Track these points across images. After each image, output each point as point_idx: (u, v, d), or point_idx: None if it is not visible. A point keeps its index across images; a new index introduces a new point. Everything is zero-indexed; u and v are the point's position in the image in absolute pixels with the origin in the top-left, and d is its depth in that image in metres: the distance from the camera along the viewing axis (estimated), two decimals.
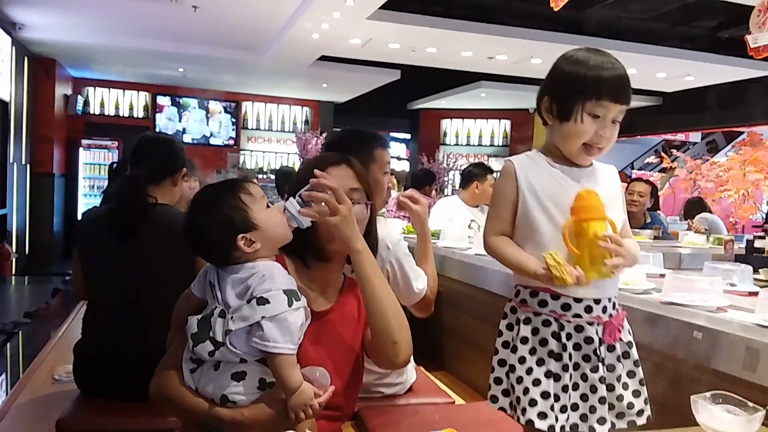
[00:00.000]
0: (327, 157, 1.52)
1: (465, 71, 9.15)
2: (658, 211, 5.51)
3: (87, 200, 9.80)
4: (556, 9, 3.97)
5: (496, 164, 12.58)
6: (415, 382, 2.32)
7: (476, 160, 11.83)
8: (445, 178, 9.72)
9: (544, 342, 1.37)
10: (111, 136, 10.03)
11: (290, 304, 1.21)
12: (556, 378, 1.36)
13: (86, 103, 10.51)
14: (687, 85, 9.04)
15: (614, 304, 1.42)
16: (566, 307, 1.37)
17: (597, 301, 1.38)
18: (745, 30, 4.61)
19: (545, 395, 1.35)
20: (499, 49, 7.73)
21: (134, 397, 1.95)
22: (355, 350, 1.45)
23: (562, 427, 1.34)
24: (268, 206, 1.32)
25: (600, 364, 1.36)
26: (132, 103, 10.92)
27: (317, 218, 1.31)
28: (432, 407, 2.17)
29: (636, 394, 1.39)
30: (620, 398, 1.37)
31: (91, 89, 10.65)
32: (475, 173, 4.35)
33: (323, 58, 8.47)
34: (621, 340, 1.40)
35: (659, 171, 12.64)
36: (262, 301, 1.20)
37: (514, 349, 1.40)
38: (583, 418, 1.35)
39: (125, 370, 1.98)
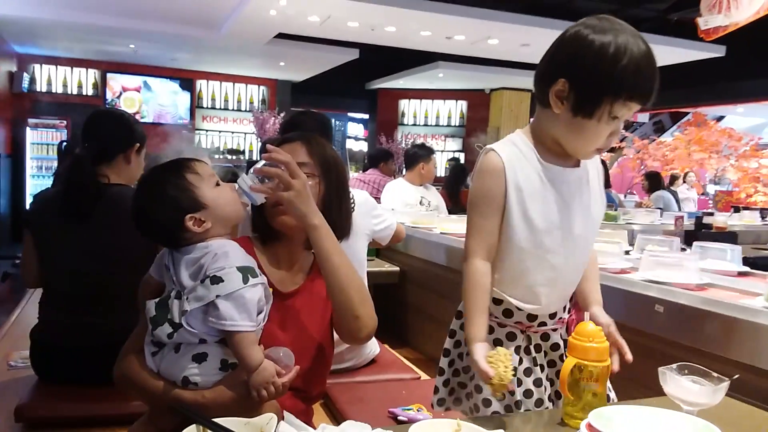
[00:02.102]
0: (286, 136, 1.48)
1: (423, 51, 9.14)
2: (610, 189, 5.70)
3: (36, 181, 9.45)
4: None
5: (452, 144, 12.70)
6: (381, 358, 2.37)
7: (432, 141, 11.93)
8: (402, 159, 9.75)
9: None
10: (59, 115, 9.65)
11: (246, 281, 1.19)
12: (528, 394, 1.34)
13: (32, 80, 10.08)
14: None
15: (571, 298, 1.43)
16: (532, 318, 1.35)
17: (563, 308, 1.42)
18: (694, 13, 4.74)
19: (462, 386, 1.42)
20: (457, 30, 7.74)
21: (95, 383, 1.93)
22: (324, 331, 1.43)
23: None
24: (218, 184, 1.30)
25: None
26: (81, 81, 10.53)
27: (270, 194, 1.28)
28: (398, 383, 2.22)
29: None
30: None
31: (37, 66, 10.20)
32: (420, 154, 4.53)
33: (281, 35, 8.33)
34: None
35: (608, 150, 12.98)
36: (216, 279, 1.18)
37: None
38: None
39: (85, 356, 1.95)
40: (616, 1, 8.11)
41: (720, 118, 13.27)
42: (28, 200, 9.04)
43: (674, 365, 1.10)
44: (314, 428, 1.11)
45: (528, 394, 1.36)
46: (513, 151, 1.29)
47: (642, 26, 8.29)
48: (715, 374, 1.10)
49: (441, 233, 3.12)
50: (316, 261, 1.46)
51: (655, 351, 1.85)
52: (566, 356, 1.19)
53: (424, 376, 2.33)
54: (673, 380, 1.08)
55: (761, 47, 7.94)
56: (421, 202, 4.43)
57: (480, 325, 1.26)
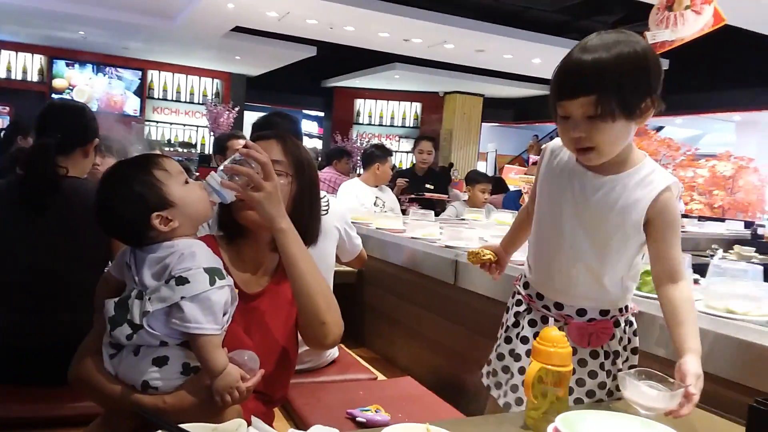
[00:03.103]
0: (262, 133, 1.45)
1: (381, 52, 9.18)
2: None
3: None
4: None
5: (406, 145, 12.80)
6: (338, 359, 2.38)
7: (386, 141, 11.99)
8: (358, 158, 9.77)
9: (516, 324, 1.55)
10: (2, 102, 9.26)
11: (212, 283, 1.15)
12: (517, 358, 1.50)
13: None
14: None
15: (601, 312, 1.46)
16: (540, 297, 1.51)
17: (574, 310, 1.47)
18: (641, 26, 4.93)
19: (505, 370, 1.51)
20: (414, 33, 7.82)
21: (45, 383, 1.86)
22: (288, 334, 1.40)
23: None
24: (187, 182, 1.26)
25: None
26: (26, 66, 10.12)
27: (240, 193, 1.24)
28: (355, 383, 2.23)
29: (590, 394, 1.47)
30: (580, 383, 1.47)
31: None
32: (376, 155, 4.51)
33: (237, 29, 8.22)
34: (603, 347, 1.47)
35: None
36: (182, 280, 1.14)
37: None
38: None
39: (35, 355, 1.89)
40: (567, 12, 8.34)
41: (659, 129, 13.78)
42: None
43: (633, 370, 1.14)
44: None
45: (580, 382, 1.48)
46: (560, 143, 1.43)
47: None
48: (673, 380, 1.14)
49: (377, 228, 3.19)
50: (282, 263, 1.46)
51: None
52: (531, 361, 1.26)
53: (380, 377, 2.35)
54: (631, 385, 1.12)
55: (702, 62, 8.31)
56: (375, 203, 4.42)
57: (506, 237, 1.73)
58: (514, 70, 10.03)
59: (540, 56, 8.73)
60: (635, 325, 1.51)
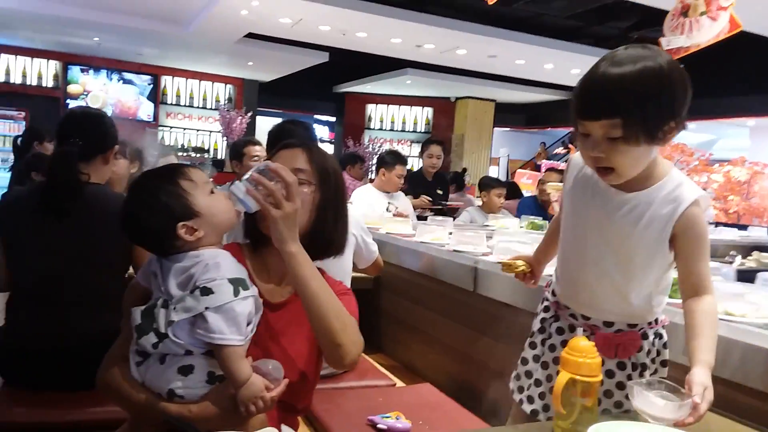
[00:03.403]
0: (288, 142, 1.44)
1: (393, 57, 9.20)
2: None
3: None
4: (490, 2, 4.09)
5: (418, 149, 12.80)
6: (356, 365, 2.37)
7: (398, 146, 11.99)
8: (371, 162, 9.79)
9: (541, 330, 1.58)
10: (17, 106, 9.36)
11: (236, 294, 1.16)
12: (545, 366, 1.53)
13: None
14: None
15: (629, 324, 1.45)
16: (564, 307, 1.51)
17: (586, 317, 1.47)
18: (655, 32, 4.90)
19: (528, 375, 1.53)
20: (427, 38, 7.83)
21: (66, 387, 1.88)
22: (312, 344, 1.38)
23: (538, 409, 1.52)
24: (212, 192, 1.27)
25: None
26: (41, 72, 10.22)
27: (261, 204, 1.22)
28: (374, 390, 2.22)
29: (618, 405, 1.46)
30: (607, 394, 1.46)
31: None
32: (385, 161, 4.46)
33: (250, 35, 8.27)
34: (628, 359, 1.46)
35: (565, 161, 13.28)
36: (206, 291, 1.15)
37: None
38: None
39: (54, 360, 1.90)
40: (580, 18, 8.33)
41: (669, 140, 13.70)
42: None
43: (644, 380, 1.14)
44: None
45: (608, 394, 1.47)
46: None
47: (605, 44, 8.53)
48: (683, 389, 1.13)
49: (387, 233, 3.19)
50: None
51: None
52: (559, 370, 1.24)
53: (399, 383, 2.35)
54: (639, 394, 1.12)
55: (715, 68, 8.26)
56: (387, 209, 4.40)
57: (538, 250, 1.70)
58: (526, 75, 10.02)
59: (552, 62, 8.73)
60: (665, 338, 1.49)
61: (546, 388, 1.52)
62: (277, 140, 1.87)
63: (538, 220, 4.39)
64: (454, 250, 2.79)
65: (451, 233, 3.04)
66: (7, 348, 1.99)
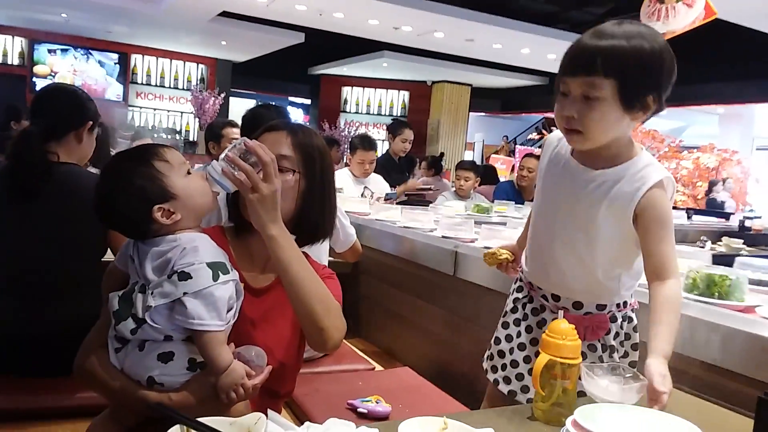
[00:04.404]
0: (272, 124, 1.39)
1: (369, 39, 9.12)
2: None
3: None
4: None
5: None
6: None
7: (374, 130, 11.94)
8: (345, 146, 9.73)
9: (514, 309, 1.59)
10: None
11: (216, 278, 1.13)
12: (521, 347, 1.55)
13: None
14: None
15: (598, 306, 1.46)
16: (537, 287, 1.52)
17: (556, 297, 1.48)
18: (630, 18, 4.92)
19: (501, 354, 1.56)
20: (404, 20, 7.78)
21: (43, 373, 1.84)
22: (295, 329, 1.36)
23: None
24: (189, 173, 1.22)
25: None
26: (6, 49, 9.89)
27: (238, 185, 1.18)
28: (353, 374, 2.22)
29: None
30: None
31: None
32: (354, 144, 4.41)
33: (224, 14, 8.11)
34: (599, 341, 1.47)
35: (539, 147, 13.40)
36: (184, 276, 1.12)
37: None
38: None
39: (31, 345, 1.85)
40: (558, 3, 8.36)
41: (644, 120, 13.88)
42: None
43: (606, 364, 1.18)
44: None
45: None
46: (558, 135, 1.44)
47: (580, 29, 8.58)
48: (643, 378, 1.15)
49: (345, 211, 3.22)
50: None
51: None
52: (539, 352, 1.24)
53: (378, 367, 2.35)
54: (587, 376, 1.15)
55: (686, 55, 8.37)
56: (363, 194, 4.32)
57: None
58: (502, 60, 10.03)
59: (529, 47, 8.74)
60: (635, 321, 1.50)
61: (524, 369, 1.53)
62: (253, 126, 1.80)
63: (485, 203, 4.50)
64: (443, 236, 2.79)
65: (437, 220, 3.06)
66: None
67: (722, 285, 1.74)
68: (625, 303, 1.48)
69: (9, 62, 9.90)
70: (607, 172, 1.34)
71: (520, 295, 1.58)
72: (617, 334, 1.47)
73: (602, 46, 1.22)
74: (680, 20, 4.78)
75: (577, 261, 1.41)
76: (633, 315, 1.50)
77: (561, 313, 1.41)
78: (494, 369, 1.60)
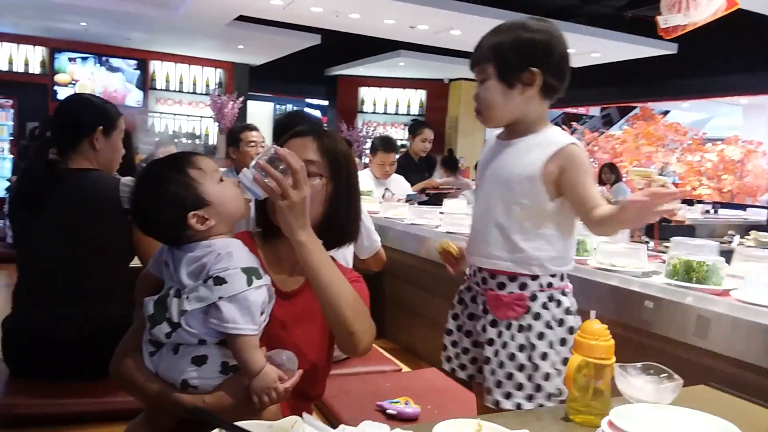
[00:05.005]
0: (298, 129, 1.41)
1: (386, 39, 9.11)
2: None
3: None
4: None
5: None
6: None
7: (392, 129, 11.92)
8: (364, 147, 9.74)
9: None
10: (5, 94, 9.24)
11: (250, 283, 1.16)
12: (462, 330, 1.64)
13: None
14: (594, 62, 9.45)
15: (511, 278, 1.51)
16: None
17: (479, 269, 1.56)
18: (649, 10, 4.86)
19: (454, 344, 1.66)
20: (421, 19, 7.75)
21: (71, 377, 1.87)
22: (326, 332, 1.38)
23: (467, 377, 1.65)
24: (221, 180, 1.26)
25: (480, 329, 1.56)
26: (27, 59, 10.05)
27: (268, 192, 1.20)
28: (380, 375, 2.23)
29: (509, 376, 1.50)
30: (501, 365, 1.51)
31: None
32: (373, 146, 4.42)
33: (241, 18, 8.16)
34: (515, 320, 1.50)
35: None
36: (219, 280, 1.15)
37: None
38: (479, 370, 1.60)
39: (62, 348, 1.89)
40: None
41: (665, 113, 13.70)
42: None
43: (640, 364, 1.16)
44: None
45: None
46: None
47: (599, 22, 8.48)
48: (677, 377, 1.14)
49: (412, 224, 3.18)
50: None
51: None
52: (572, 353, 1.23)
53: (405, 368, 2.35)
54: (621, 376, 1.14)
55: (711, 46, 8.24)
56: (384, 196, 4.33)
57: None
58: None
59: None
60: (567, 304, 1.52)
61: (476, 353, 1.61)
62: (286, 130, 1.81)
63: None
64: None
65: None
66: (15, 336, 1.97)
67: (700, 271, 1.86)
68: (549, 284, 1.50)
69: (30, 71, 10.04)
70: (520, 140, 1.52)
71: (462, 287, 1.67)
72: (538, 315, 1.49)
73: (490, 39, 1.50)
74: (702, 11, 4.71)
75: (495, 224, 1.51)
76: (563, 298, 1.51)
77: (593, 313, 1.40)
78: (449, 359, 1.69)
